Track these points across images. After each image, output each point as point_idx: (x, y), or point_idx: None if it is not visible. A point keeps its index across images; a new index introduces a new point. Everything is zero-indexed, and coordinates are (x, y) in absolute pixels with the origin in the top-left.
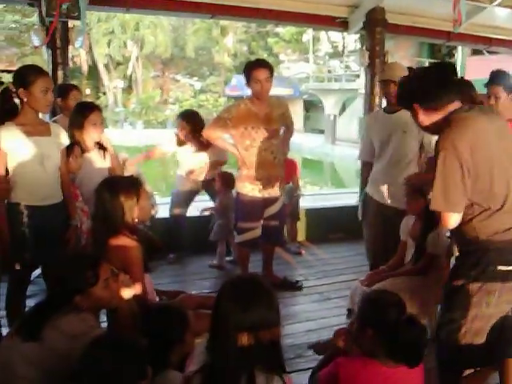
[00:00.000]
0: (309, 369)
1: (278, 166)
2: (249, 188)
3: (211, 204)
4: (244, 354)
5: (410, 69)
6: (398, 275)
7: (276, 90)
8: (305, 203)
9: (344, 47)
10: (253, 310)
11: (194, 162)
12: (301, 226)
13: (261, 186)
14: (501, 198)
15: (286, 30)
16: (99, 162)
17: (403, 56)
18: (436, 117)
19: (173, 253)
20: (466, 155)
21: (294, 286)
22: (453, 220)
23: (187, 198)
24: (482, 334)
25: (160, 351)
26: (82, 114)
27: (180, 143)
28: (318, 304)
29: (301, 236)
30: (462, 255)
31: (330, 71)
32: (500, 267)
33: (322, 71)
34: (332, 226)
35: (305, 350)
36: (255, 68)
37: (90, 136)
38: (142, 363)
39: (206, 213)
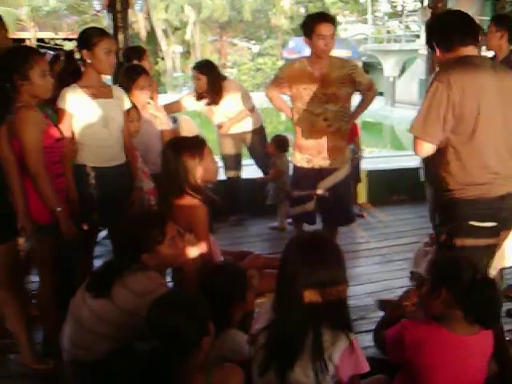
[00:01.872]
0: (371, 330)
1: (334, 136)
2: (298, 157)
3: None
4: (311, 311)
5: None
6: None
7: (334, 52)
8: (365, 165)
9: (403, 7)
10: (320, 266)
11: (220, 116)
12: (362, 188)
13: (310, 157)
14: (479, 151)
15: None
16: (149, 125)
17: None
18: (449, 58)
19: (234, 215)
20: (456, 94)
21: None
22: (424, 149)
23: (235, 159)
24: None
25: (222, 310)
26: (130, 77)
27: (198, 97)
28: (380, 266)
29: (362, 198)
30: (438, 211)
31: (389, 32)
32: (472, 222)
33: (380, 32)
34: (393, 188)
35: (367, 312)
36: (319, 22)
37: (137, 100)
38: (205, 320)
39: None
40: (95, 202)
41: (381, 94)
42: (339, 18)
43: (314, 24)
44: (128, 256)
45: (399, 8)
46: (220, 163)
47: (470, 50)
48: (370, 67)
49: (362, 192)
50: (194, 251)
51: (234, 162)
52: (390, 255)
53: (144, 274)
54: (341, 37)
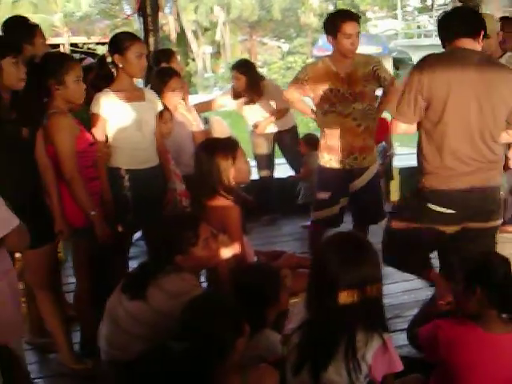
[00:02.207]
0: (405, 329)
1: (364, 135)
2: (327, 158)
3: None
4: (345, 311)
5: (503, 19)
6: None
7: (364, 49)
8: (398, 162)
9: (433, 1)
10: (356, 266)
11: (256, 115)
12: (394, 185)
13: (341, 158)
14: (447, 137)
15: None
16: (181, 126)
17: (496, 7)
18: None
19: (266, 214)
20: (426, 78)
21: None
22: (398, 128)
23: (268, 158)
24: None
25: (256, 310)
26: (162, 80)
27: (235, 96)
28: None
29: (394, 196)
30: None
31: (419, 27)
32: (429, 205)
33: (410, 27)
34: None
35: (402, 311)
36: (345, 20)
37: (169, 102)
38: (239, 321)
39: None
40: (129, 204)
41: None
42: (369, 14)
43: (339, 23)
44: (162, 258)
45: (429, 2)
46: (253, 163)
47: (464, 43)
48: (401, 63)
49: (395, 190)
50: (227, 252)
51: (266, 162)
52: None
53: (178, 275)
54: (371, 33)
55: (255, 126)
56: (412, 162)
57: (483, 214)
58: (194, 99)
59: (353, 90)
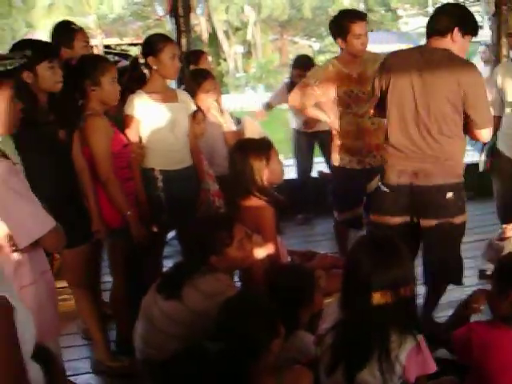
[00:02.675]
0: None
1: (378, 133)
2: (346, 160)
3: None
4: (379, 312)
5: None
6: None
7: (395, 46)
8: None
9: None
10: (388, 268)
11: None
12: None
13: (361, 158)
14: (390, 127)
15: None
16: (214, 127)
17: None
18: None
19: (301, 213)
20: (379, 73)
21: None
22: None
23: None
24: None
25: (290, 311)
26: (196, 81)
27: None
28: None
29: None
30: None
31: None
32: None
33: None
34: None
35: (435, 311)
36: (355, 21)
37: (203, 103)
38: (275, 322)
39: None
40: (163, 205)
41: None
42: (400, 12)
43: (349, 23)
44: (197, 258)
45: None
46: (292, 161)
47: (432, 42)
48: None
49: None
50: (261, 252)
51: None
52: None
53: (213, 275)
54: (402, 31)
55: (305, 123)
56: None
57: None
58: (225, 99)
59: (365, 89)
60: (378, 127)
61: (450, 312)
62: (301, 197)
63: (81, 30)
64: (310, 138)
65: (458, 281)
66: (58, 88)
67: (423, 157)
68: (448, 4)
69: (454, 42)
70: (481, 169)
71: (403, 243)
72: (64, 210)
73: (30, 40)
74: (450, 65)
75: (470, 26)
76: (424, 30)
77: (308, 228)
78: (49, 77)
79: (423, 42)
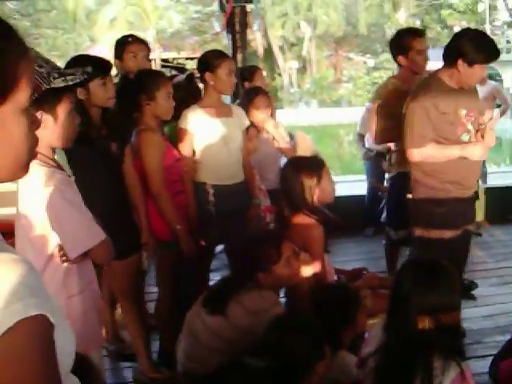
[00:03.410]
0: (486, 356)
1: None
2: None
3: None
4: (423, 337)
5: None
6: None
7: None
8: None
9: None
10: (435, 292)
11: None
12: (479, 205)
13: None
14: None
15: (460, 1)
16: (266, 143)
17: None
18: None
19: (370, 227)
20: None
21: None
22: None
23: (378, 169)
24: None
25: (333, 330)
26: (248, 97)
27: None
28: (497, 288)
29: (479, 216)
30: None
31: (508, 42)
32: None
33: (499, 42)
34: None
35: (482, 336)
36: (416, 37)
37: (255, 119)
38: (321, 344)
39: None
40: (213, 219)
41: (499, 105)
42: (456, 29)
43: (411, 40)
44: (244, 275)
45: None
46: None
47: (438, 73)
48: (489, 78)
49: (480, 209)
50: (308, 271)
51: (377, 172)
52: (508, 277)
53: (258, 292)
54: None
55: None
56: (497, 181)
57: None
58: (279, 114)
59: None
60: None
61: (498, 337)
62: (372, 209)
63: (132, 42)
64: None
65: None
66: (110, 104)
67: None
68: (459, 33)
69: (460, 73)
70: None
71: (453, 268)
72: (114, 221)
73: (83, 56)
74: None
75: (477, 57)
76: None
77: (355, 246)
78: (101, 93)
79: None
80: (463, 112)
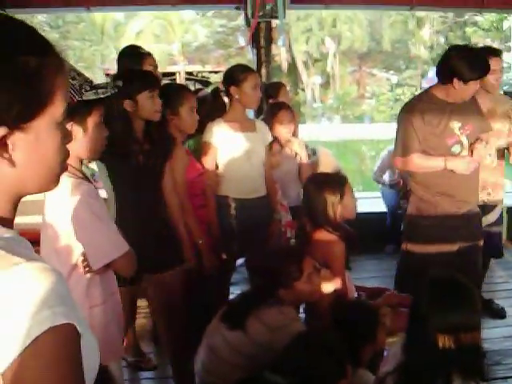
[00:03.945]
0: (507, 377)
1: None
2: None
3: None
4: (442, 357)
5: None
6: None
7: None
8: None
9: None
10: (454, 311)
11: None
12: (502, 225)
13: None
14: None
15: (485, 18)
16: (288, 158)
17: None
18: None
19: (390, 244)
20: None
21: (496, 313)
22: None
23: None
24: None
25: (352, 348)
26: (272, 112)
27: None
28: None
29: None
30: None
31: None
32: None
33: None
34: None
35: (503, 357)
36: (491, 56)
37: (278, 134)
38: (343, 363)
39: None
40: (235, 233)
41: None
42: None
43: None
44: (265, 290)
45: None
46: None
47: (434, 87)
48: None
49: (503, 229)
50: (329, 287)
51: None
52: None
53: (278, 308)
54: None
55: None
56: None
57: None
58: (301, 129)
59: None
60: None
61: None
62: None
63: (149, 54)
64: None
65: None
66: (157, 117)
67: None
68: (449, 52)
69: (456, 89)
70: None
71: (473, 286)
72: (153, 235)
73: (134, 70)
74: None
75: (472, 75)
76: (505, 65)
77: (376, 263)
78: (149, 106)
79: (504, 77)
80: (457, 125)
